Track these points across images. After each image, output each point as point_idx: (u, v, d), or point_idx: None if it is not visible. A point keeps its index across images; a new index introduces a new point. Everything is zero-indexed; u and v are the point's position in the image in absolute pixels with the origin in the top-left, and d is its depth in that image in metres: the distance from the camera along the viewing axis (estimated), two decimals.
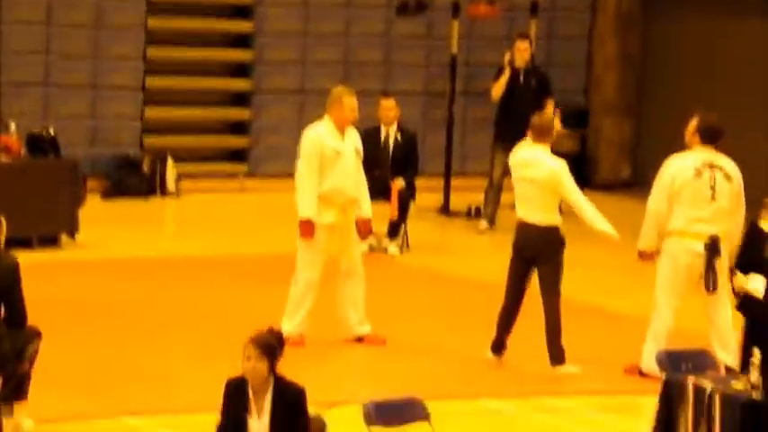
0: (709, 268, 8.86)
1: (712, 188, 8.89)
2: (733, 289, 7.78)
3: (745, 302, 7.69)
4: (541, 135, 9.12)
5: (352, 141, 9.52)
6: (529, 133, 9.17)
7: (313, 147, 9.39)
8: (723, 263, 8.89)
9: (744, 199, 8.97)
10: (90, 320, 9.94)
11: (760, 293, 7.37)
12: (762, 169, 13.98)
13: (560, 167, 9.05)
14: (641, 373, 9.02)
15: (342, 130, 9.45)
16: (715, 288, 8.86)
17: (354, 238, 9.56)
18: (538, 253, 9.00)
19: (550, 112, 13.15)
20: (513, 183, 9.17)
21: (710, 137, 8.94)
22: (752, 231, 7.74)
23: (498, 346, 9.22)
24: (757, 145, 14.26)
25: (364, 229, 9.55)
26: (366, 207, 9.52)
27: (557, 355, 9.04)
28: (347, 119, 9.43)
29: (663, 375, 7.21)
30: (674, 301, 8.99)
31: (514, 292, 9.09)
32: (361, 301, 9.52)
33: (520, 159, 9.13)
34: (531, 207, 9.00)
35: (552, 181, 8.99)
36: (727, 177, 8.95)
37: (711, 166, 8.94)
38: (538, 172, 9.00)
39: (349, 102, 9.39)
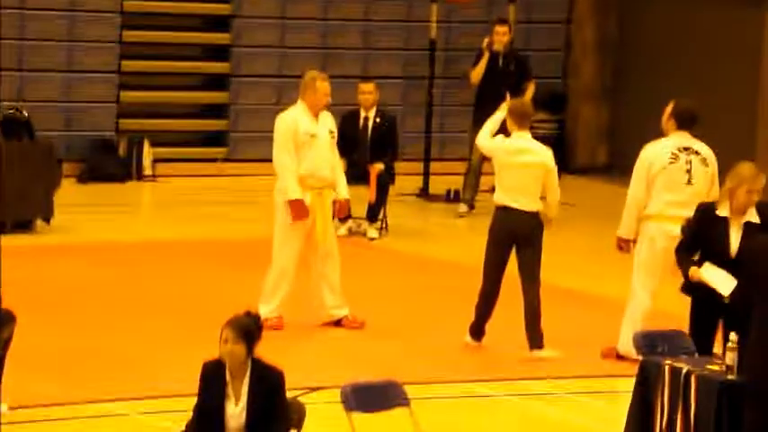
0: None
1: (688, 172, 8.92)
2: (688, 278, 7.61)
3: (691, 284, 7.64)
4: (524, 120, 9.12)
5: (326, 124, 9.52)
6: (509, 119, 9.15)
7: (287, 130, 9.40)
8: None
9: (718, 183, 9.00)
10: (65, 305, 9.91)
11: (719, 285, 7.30)
12: (736, 154, 13.99)
13: (551, 154, 9.08)
14: (618, 356, 9.05)
15: (315, 114, 9.45)
16: None
17: (330, 220, 9.55)
18: (522, 238, 9.00)
19: (529, 97, 13.17)
20: (500, 169, 9.13)
21: (686, 122, 8.97)
22: (706, 216, 7.64)
23: (478, 332, 9.23)
24: (733, 130, 14.29)
25: (342, 209, 9.56)
26: (343, 188, 9.52)
27: (536, 339, 9.06)
28: (320, 103, 9.43)
29: (639, 357, 7.23)
30: (651, 283, 9.02)
31: (494, 278, 9.10)
32: (337, 284, 9.52)
33: (509, 147, 9.10)
34: (519, 193, 9.00)
35: (545, 167, 9.01)
36: (704, 162, 8.98)
37: (688, 151, 8.97)
38: (535, 158, 9.01)
39: (322, 86, 9.39)
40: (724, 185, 7.65)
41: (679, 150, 8.96)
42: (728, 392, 6.63)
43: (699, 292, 7.56)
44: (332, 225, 9.63)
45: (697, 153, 8.99)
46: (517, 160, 9.05)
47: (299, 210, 9.26)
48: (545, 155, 9.08)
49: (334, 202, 9.48)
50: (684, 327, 8.19)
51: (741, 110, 14.57)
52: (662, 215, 8.95)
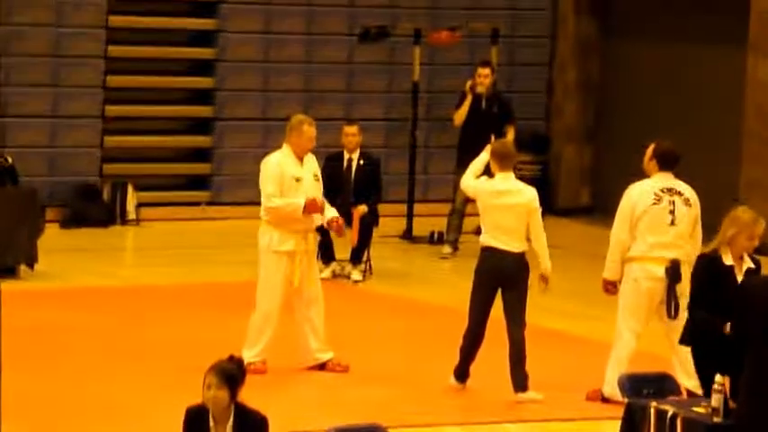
0: (671, 294, 8.88)
1: (672, 213, 8.94)
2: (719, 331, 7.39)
3: (695, 335, 7.51)
4: (506, 162, 9.14)
5: (311, 168, 9.55)
6: (493, 161, 9.17)
7: (273, 172, 9.42)
8: (685, 287, 8.92)
9: (700, 224, 9.02)
10: (49, 351, 9.86)
11: None
12: (719, 194, 14.07)
13: (535, 194, 9.11)
14: (603, 399, 9.03)
15: (300, 158, 9.50)
16: (677, 314, 8.88)
17: (315, 264, 9.55)
18: (507, 279, 9.00)
19: (511, 139, 13.23)
20: (484, 211, 9.13)
21: (668, 162, 9.00)
22: (713, 266, 7.51)
23: (462, 374, 9.20)
24: (716, 170, 14.35)
25: (339, 227, 9.54)
26: (332, 210, 9.53)
27: (521, 382, 9.04)
28: (305, 147, 9.48)
29: (625, 400, 7.21)
30: (636, 325, 9.01)
31: (479, 319, 9.08)
32: (321, 328, 9.51)
33: (492, 188, 9.12)
34: (505, 234, 9.01)
35: (530, 207, 9.03)
36: (687, 202, 9.00)
37: (671, 192, 8.99)
38: (518, 199, 9.03)
39: (308, 131, 9.45)
40: (723, 233, 7.54)
41: (662, 191, 8.98)
42: None
43: (703, 342, 7.44)
44: (316, 269, 9.64)
45: (680, 194, 9.01)
46: (500, 202, 9.06)
47: (312, 208, 9.30)
48: (529, 195, 9.11)
49: (330, 222, 9.46)
50: (669, 368, 8.18)
51: (724, 150, 14.64)
52: (645, 257, 8.95)
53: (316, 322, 9.49)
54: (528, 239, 9.11)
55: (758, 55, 14.24)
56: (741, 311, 6.57)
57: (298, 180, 9.42)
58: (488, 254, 9.06)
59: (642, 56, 15.54)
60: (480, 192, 9.18)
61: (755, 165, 14.26)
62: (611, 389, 8.65)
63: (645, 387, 7.22)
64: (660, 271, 8.90)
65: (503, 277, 9.00)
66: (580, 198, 16.01)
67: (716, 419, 6.66)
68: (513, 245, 9.00)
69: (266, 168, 9.50)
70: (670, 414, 6.76)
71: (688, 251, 8.94)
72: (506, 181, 9.11)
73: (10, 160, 12.27)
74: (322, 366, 9.51)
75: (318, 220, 9.52)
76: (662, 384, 7.33)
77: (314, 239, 9.53)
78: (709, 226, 9.17)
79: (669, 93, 15.23)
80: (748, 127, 14.35)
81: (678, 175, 9.08)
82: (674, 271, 8.88)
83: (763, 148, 14.18)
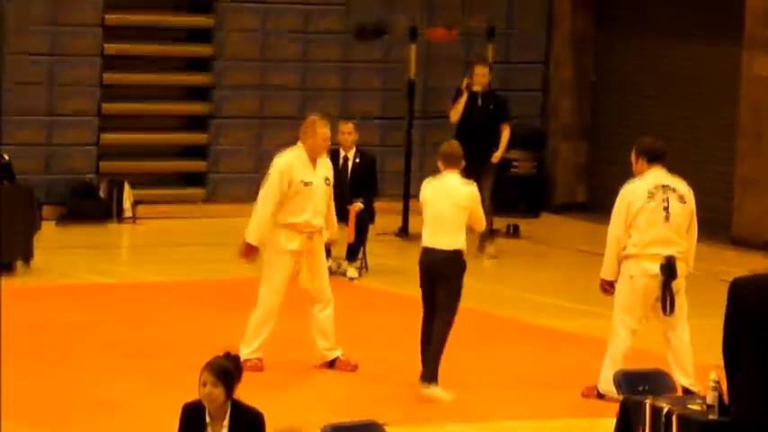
0: (666, 290, 8.91)
1: (666, 210, 8.95)
2: None
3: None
4: (453, 162, 9.18)
5: (323, 171, 9.47)
6: (440, 161, 9.21)
7: (280, 176, 9.33)
8: (680, 284, 8.95)
9: (696, 220, 9.05)
10: (45, 348, 9.88)
11: None
12: (714, 191, 14.10)
13: (475, 189, 9.13)
14: (599, 395, 9.05)
15: (314, 160, 9.39)
16: (672, 310, 8.91)
17: (320, 263, 9.52)
18: (441, 276, 9.00)
19: (506, 137, 13.30)
20: (427, 211, 9.11)
21: (654, 155, 9.00)
22: None
23: (430, 375, 9.04)
24: (711, 166, 14.38)
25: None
26: (330, 231, 9.52)
27: (432, 374, 8.97)
28: (320, 147, 9.39)
29: (620, 396, 7.23)
30: (632, 322, 9.03)
31: (427, 312, 9.09)
32: (328, 326, 9.48)
33: (434, 189, 9.16)
34: (442, 232, 9.03)
35: (471, 202, 9.06)
36: (681, 199, 9.02)
37: (665, 189, 9.01)
38: (457, 196, 9.05)
39: (322, 131, 9.36)
40: None
41: (656, 188, 9.00)
42: (710, 431, 6.63)
43: None
44: (323, 268, 9.56)
45: (674, 190, 9.02)
46: (443, 199, 9.06)
47: (248, 253, 9.28)
48: (471, 189, 9.10)
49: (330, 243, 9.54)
50: (665, 365, 8.19)
51: (719, 146, 14.66)
52: (641, 254, 8.97)
53: (322, 321, 9.47)
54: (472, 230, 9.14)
55: (753, 51, 14.27)
56: (730, 311, 6.55)
57: (306, 185, 9.33)
58: (429, 252, 9.05)
59: (638, 53, 15.56)
60: (427, 188, 9.13)
61: (750, 162, 14.28)
62: (607, 385, 8.67)
63: (640, 384, 7.24)
64: (655, 268, 8.92)
65: (438, 274, 8.99)
66: (576, 195, 16.03)
67: (711, 417, 6.68)
68: (448, 242, 8.98)
69: (275, 169, 9.35)
70: (665, 411, 6.78)
71: (684, 248, 8.97)
72: (449, 179, 9.14)
73: (6, 158, 12.28)
74: (331, 364, 9.49)
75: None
76: (657, 381, 7.35)
77: (320, 240, 9.49)
78: (702, 222, 9.21)
79: (664, 89, 15.24)
80: (743, 123, 14.38)
81: (672, 171, 9.10)
82: (669, 267, 8.90)
83: (758, 145, 14.20)
